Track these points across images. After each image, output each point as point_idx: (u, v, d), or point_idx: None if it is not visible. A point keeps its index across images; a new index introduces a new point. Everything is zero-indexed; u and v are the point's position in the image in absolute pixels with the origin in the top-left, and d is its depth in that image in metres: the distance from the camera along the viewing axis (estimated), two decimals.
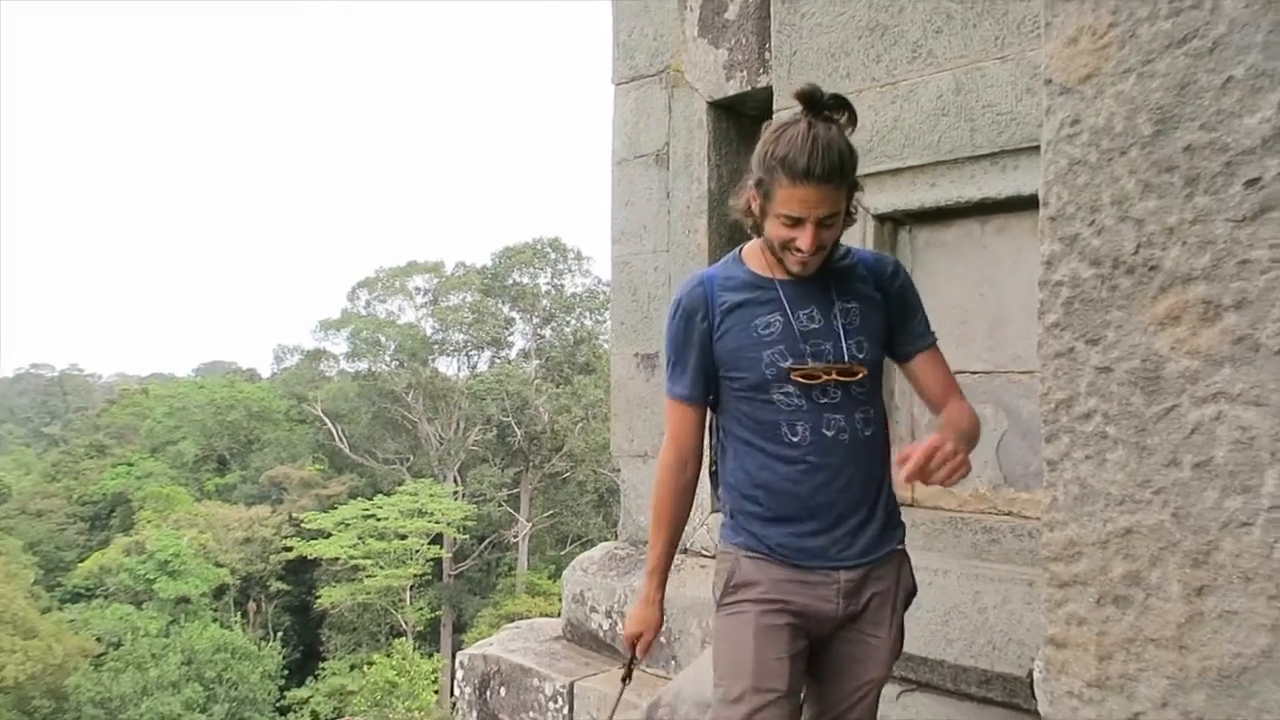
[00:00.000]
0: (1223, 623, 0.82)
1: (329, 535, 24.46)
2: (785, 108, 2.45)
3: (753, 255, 1.86)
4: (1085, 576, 0.88)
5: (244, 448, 32.16)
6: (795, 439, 1.79)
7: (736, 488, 1.89)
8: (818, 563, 1.83)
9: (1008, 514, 2.40)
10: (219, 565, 25.91)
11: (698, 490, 2.88)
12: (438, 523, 24.38)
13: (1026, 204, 2.30)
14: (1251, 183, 0.75)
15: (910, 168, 2.45)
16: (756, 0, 2.69)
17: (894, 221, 2.52)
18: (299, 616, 26.76)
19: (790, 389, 1.77)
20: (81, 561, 26.57)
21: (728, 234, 2.92)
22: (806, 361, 1.76)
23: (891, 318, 1.85)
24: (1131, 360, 0.82)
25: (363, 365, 29.59)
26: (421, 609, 24.92)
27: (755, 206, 1.74)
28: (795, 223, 1.68)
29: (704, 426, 1.94)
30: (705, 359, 1.86)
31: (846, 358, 1.77)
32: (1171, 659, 0.85)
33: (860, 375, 1.78)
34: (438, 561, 25.63)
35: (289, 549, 25.25)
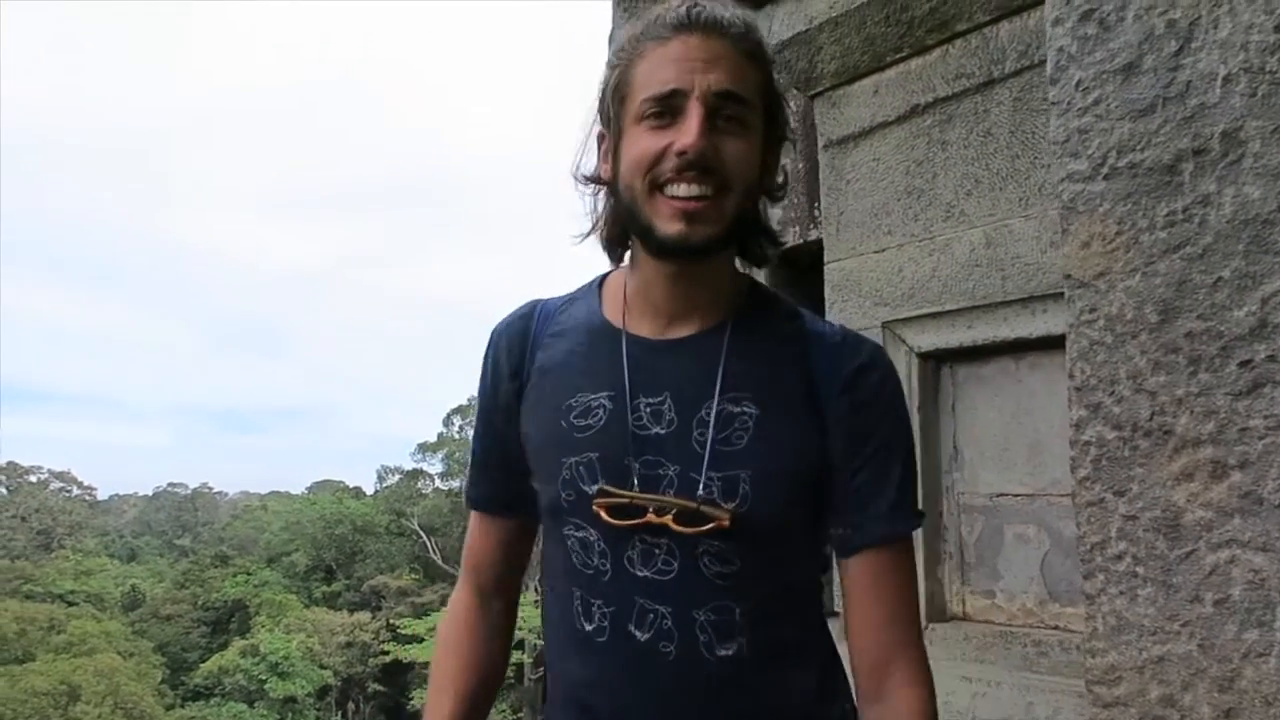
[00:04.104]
0: None
1: (422, 640, 24.43)
2: (835, 260, 2.55)
3: (615, 285, 1.08)
4: (1126, 699, 0.92)
5: (349, 558, 32.58)
6: (589, 627, 1.00)
7: (547, 649, 1.12)
8: None
9: (1055, 628, 2.38)
10: (323, 667, 25.98)
11: None
12: (519, 629, 24.14)
13: (1056, 343, 2.34)
14: (1245, 364, 0.81)
15: (949, 311, 2.52)
16: (807, 168, 2.82)
17: (936, 359, 2.58)
18: (393, 717, 26.49)
19: (589, 532, 0.99)
20: (203, 662, 26.86)
21: None
22: (625, 485, 0.96)
23: (833, 456, 0.98)
24: (1154, 510, 0.88)
25: (455, 484, 30.01)
26: (504, 711, 24.54)
27: (606, 152, 1.00)
28: (666, 110, 0.92)
29: (513, 548, 1.15)
30: (508, 439, 1.07)
31: (699, 492, 0.94)
32: None
33: (718, 529, 0.94)
34: (519, 666, 25.30)
35: (386, 653, 25.24)
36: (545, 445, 1.03)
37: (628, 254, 1.05)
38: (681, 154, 0.90)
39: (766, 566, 0.98)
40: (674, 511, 0.94)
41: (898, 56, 2.35)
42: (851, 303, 2.52)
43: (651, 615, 0.96)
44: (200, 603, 31.37)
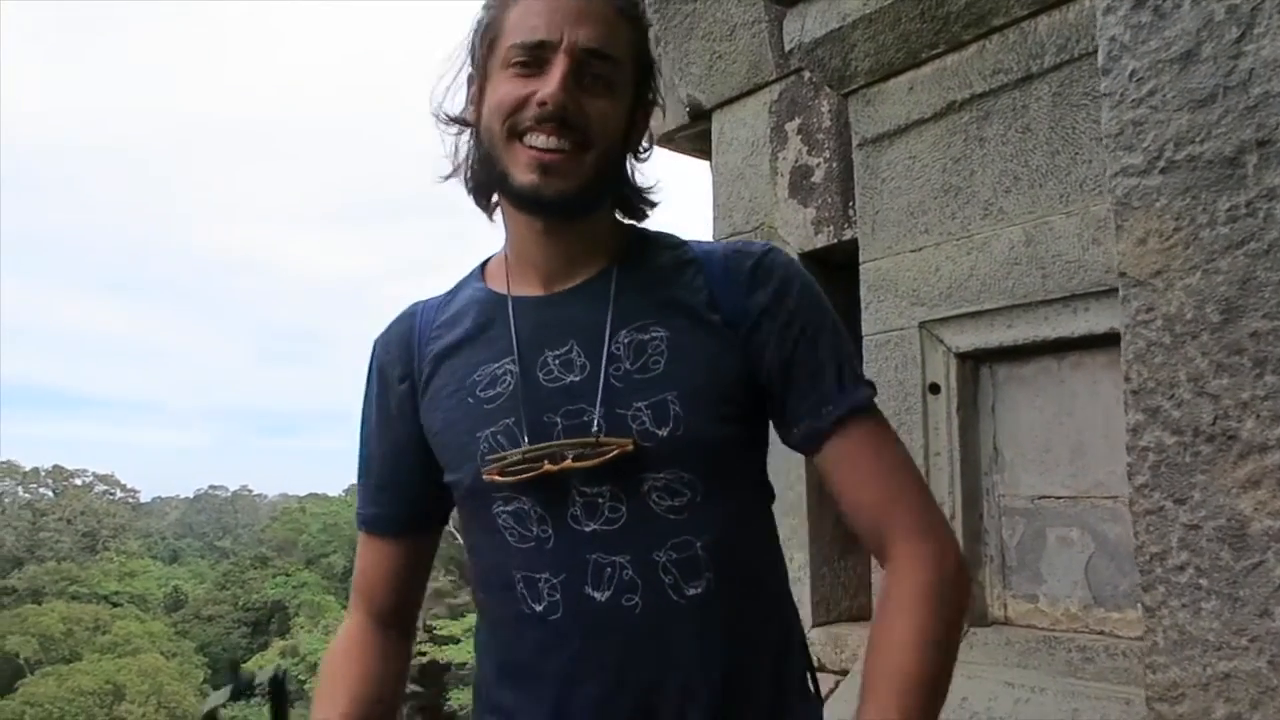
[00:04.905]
0: None
1: (459, 641, 24.52)
2: (871, 259, 2.51)
3: (496, 265, 1.06)
4: (1189, 717, 0.88)
5: None
6: (539, 607, 0.93)
7: (481, 684, 1.03)
8: None
9: (1100, 633, 2.32)
10: None
11: (800, 601, 2.85)
12: None
13: (1098, 342, 2.29)
14: None
15: (988, 311, 2.46)
16: (839, 167, 2.78)
17: (975, 359, 2.52)
18: (430, 717, 26.66)
19: (522, 501, 0.93)
20: (244, 663, 27.15)
21: None
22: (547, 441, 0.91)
23: (760, 361, 0.95)
24: (1218, 519, 0.84)
25: None
26: None
27: (474, 95, 0.96)
28: (533, 60, 0.90)
29: (409, 573, 1.09)
30: (404, 449, 1.03)
31: (630, 425, 0.90)
32: None
33: (625, 453, 0.89)
34: None
35: (423, 654, 25.36)
36: (455, 427, 0.98)
37: (496, 210, 1.03)
38: (542, 105, 0.89)
39: (715, 493, 0.93)
40: (573, 454, 0.90)
41: (933, 53, 2.31)
42: (888, 302, 2.47)
43: (609, 569, 0.90)
44: (240, 604, 31.80)
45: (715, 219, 3.16)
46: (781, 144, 2.91)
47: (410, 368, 1.03)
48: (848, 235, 2.74)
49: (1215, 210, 0.80)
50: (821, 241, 2.81)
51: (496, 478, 0.92)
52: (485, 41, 0.94)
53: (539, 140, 0.90)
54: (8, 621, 29.95)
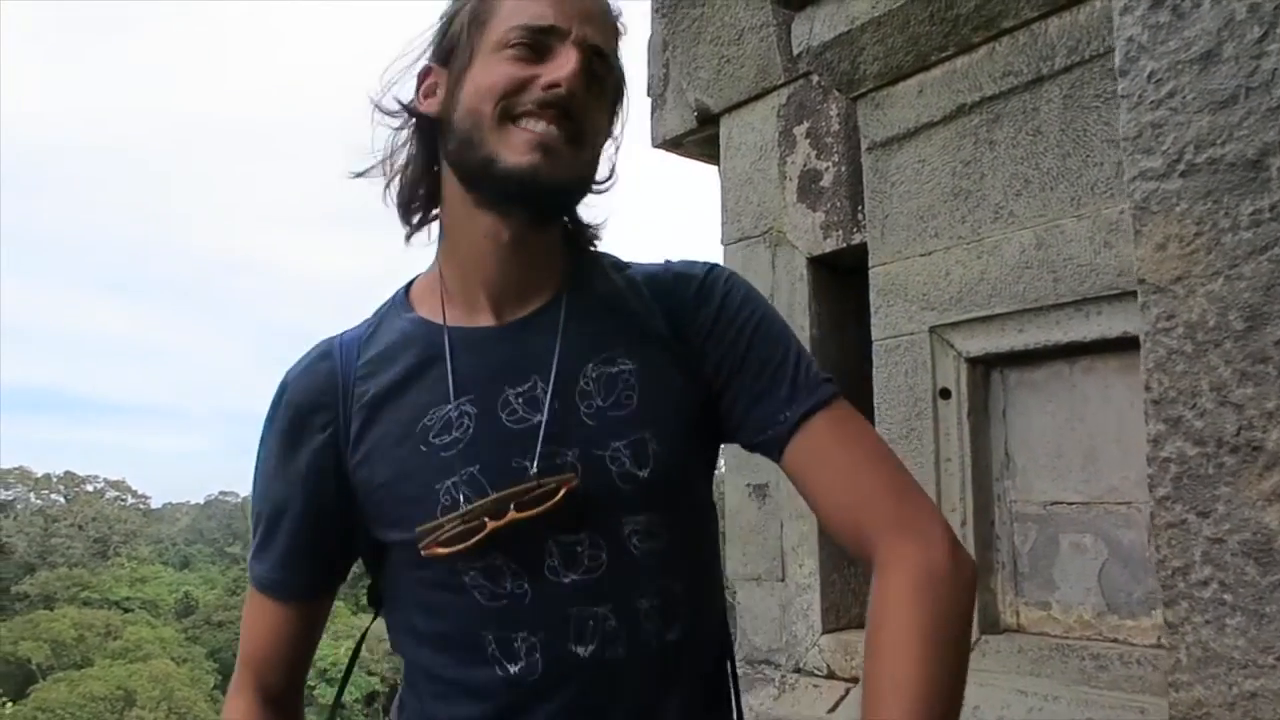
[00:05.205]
0: None
1: None
2: (880, 263, 2.48)
3: (424, 288, 0.96)
4: None
5: None
6: (514, 669, 0.85)
7: None
8: None
9: (1115, 641, 2.29)
10: (371, 674, 26.18)
11: (810, 608, 2.82)
12: None
13: (1111, 346, 2.26)
14: None
15: (999, 315, 2.43)
16: (848, 171, 2.76)
17: (985, 364, 2.50)
18: None
19: (493, 557, 0.85)
20: None
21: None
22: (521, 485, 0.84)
23: (716, 378, 0.92)
24: (1243, 533, 0.81)
25: None
26: None
27: (432, 87, 0.90)
28: (536, 45, 0.84)
29: (307, 643, 0.99)
30: (323, 508, 0.92)
31: (610, 466, 0.85)
32: None
33: (640, 501, 0.87)
34: None
35: None
36: (404, 480, 0.87)
37: (426, 228, 0.94)
38: (552, 87, 0.82)
39: (687, 531, 0.91)
40: (512, 505, 0.81)
41: (943, 55, 2.28)
42: (897, 307, 2.45)
43: (591, 621, 0.84)
44: None
45: (724, 224, 3.15)
46: (790, 148, 2.89)
47: (335, 415, 0.90)
48: (857, 239, 2.71)
49: (1238, 214, 0.78)
50: (830, 246, 2.79)
51: (438, 550, 0.82)
52: (473, 27, 0.86)
53: (539, 126, 0.83)
54: (20, 627, 30.06)
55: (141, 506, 52.74)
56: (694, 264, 0.98)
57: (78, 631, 29.39)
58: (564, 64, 0.83)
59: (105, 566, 39.97)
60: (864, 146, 2.47)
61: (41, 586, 35.15)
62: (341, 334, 0.97)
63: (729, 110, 3.07)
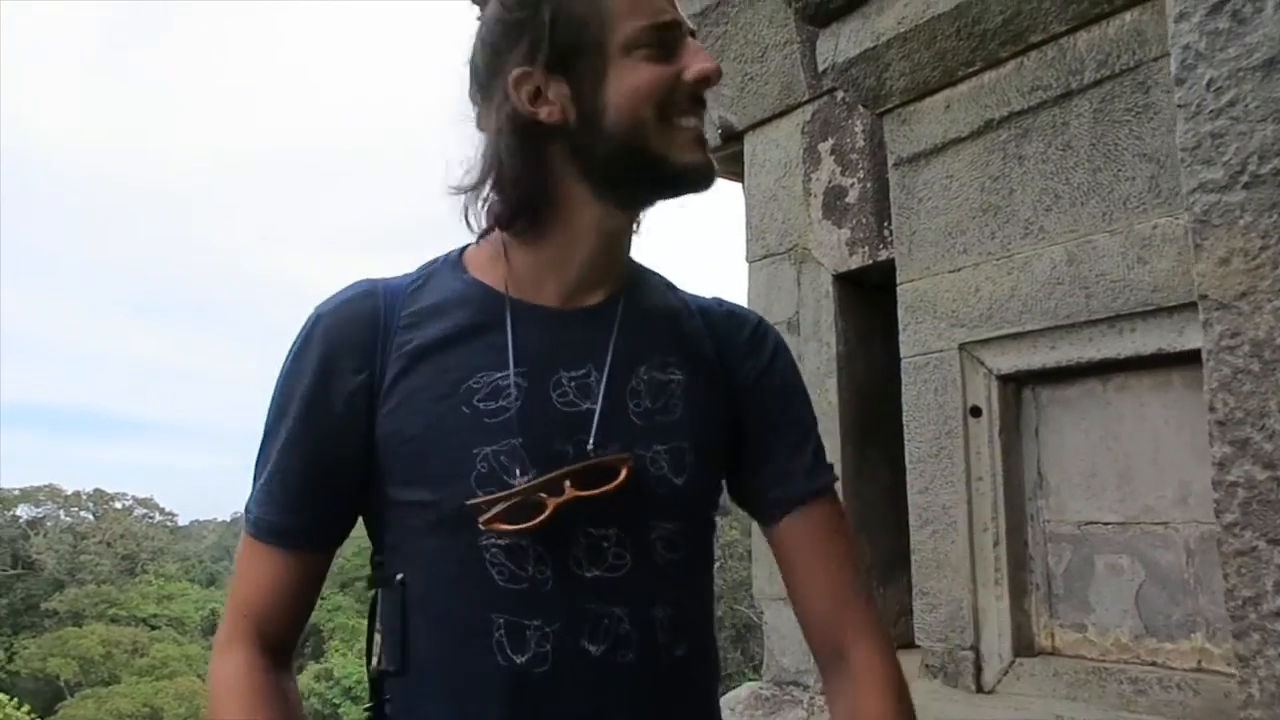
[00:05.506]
0: None
1: None
2: (908, 280, 2.44)
3: (482, 257, 0.92)
4: None
5: None
6: (520, 659, 0.81)
7: None
8: None
9: (1153, 664, 2.22)
10: None
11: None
12: None
13: (1145, 363, 2.21)
14: None
15: (1030, 332, 2.39)
16: (874, 187, 2.72)
17: (1017, 381, 2.45)
18: None
19: (520, 536, 0.81)
20: None
21: (858, 394, 2.87)
22: (555, 470, 0.81)
23: (746, 423, 0.94)
24: None
25: None
26: None
27: (549, 91, 0.85)
28: (664, 43, 0.84)
29: (309, 597, 0.92)
30: (343, 453, 0.87)
31: (649, 469, 0.85)
32: None
33: (671, 508, 0.87)
34: None
35: None
36: (439, 439, 0.83)
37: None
38: (703, 80, 0.84)
39: (701, 546, 0.91)
40: (567, 481, 0.80)
41: (969, 70, 2.25)
42: (926, 324, 2.40)
43: (606, 621, 0.82)
44: None
45: (748, 241, 3.12)
46: (815, 165, 2.86)
47: (371, 358, 0.86)
48: (883, 256, 2.67)
49: None
50: (856, 262, 2.75)
51: (503, 526, 0.79)
52: (588, 28, 0.83)
53: (691, 121, 0.85)
54: (49, 644, 30.23)
55: (169, 524, 53.03)
56: (742, 308, 1.01)
57: (105, 648, 29.52)
58: (699, 56, 0.84)
59: (133, 583, 40.18)
60: (890, 162, 2.44)
61: (70, 603, 35.37)
62: (384, 279, 0.93)
63: (753, 127, 3.04)
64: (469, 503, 0.80)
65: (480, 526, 0.79)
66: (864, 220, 2.74)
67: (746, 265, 3.14)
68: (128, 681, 27.39)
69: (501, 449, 0.82)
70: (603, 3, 0.84)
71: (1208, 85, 0.79)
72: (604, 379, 0.86)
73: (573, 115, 0.85)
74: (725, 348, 0.95)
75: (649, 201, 0.90)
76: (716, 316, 0.97)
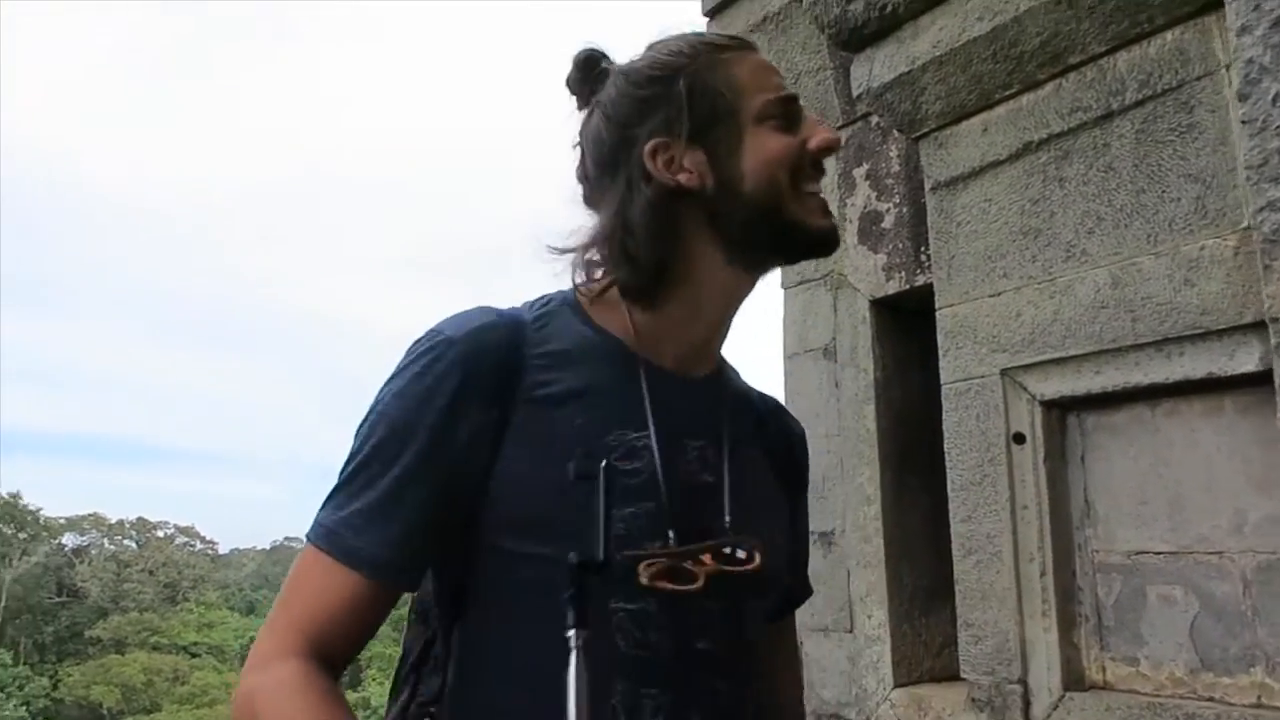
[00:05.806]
0: None
1: None
2: (948, 305, 2.39)
3: (601, 307, 0.90)
4: None
5: None
6: None
7: None
8: None
9: (1210, 699, 2.14)
10: None
11: (880, 660, 2.69)
12: None
13: (1195, 388, 2.14)
14: None
15: (1074, 357, 2.33)
16: (910, 212, 2.69)
17: (1061, 407, 2.39)
18: None
19: (647, 602, 0.79)
20: None
21: (896, 420, 2.81)
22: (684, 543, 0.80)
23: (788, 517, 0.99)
24: None
25: None
26: None
27: (684, 160, 0.86)
28: (790, 113, 0.89)
29: (376, 622, 0.84)
30: (459, 491, 0.81)
31: (754, 554, 0.84)
32: None
33: (764, 588, 0.88)
34: None
35: None
36: (571, 494, 0.79)
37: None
38: (827, 149, 0.89)
39: (765, 628, 0.94)
40: (708, 554, 0.81)
41: (1007, 93, 2.21)
42: (966, 349, 2.35)
43: (709, 695, 0.81)
44: None
45: (783, 269, 3.09)
46: (850, 190, 2.83)
47: (503, 396, 0.81)
48: (920, 281, 2.63)
49: None
50: (893, 288, 2.70)
51: (665, 585, 0.77)
52: (724, 100, 0.88)
53: (815, 187, 0.90)
54: (92, 671, 30.52)
55: (210, 552, 53.54)
56: (786, 409, 1.07)
57: (147, 676, 29.73)
58: (818, 127, 0.90)
59: (174, 611, 40.51)
60: (928, 187, 2.40)
61: (113, 631, 35.72)
62: (509, 308, 0.90)
63: None
64: (626, 552, 0.78)
65: (641, 583, 0.77)
66: (900, 245, 2.70)
67: (782, 291, 3.11)
68: (169, 709, 27.54)
69: (640, 511, 0.80)
70: (733, 78, 0.88)
71: (1274, 100, 0.75)
72: (725, 454, 0.88)
73: (710, 181, 0.87)
74: (780, 442, 1.00)
75: (775, 265, 0.93)
76: (770, 405, 1.03)
